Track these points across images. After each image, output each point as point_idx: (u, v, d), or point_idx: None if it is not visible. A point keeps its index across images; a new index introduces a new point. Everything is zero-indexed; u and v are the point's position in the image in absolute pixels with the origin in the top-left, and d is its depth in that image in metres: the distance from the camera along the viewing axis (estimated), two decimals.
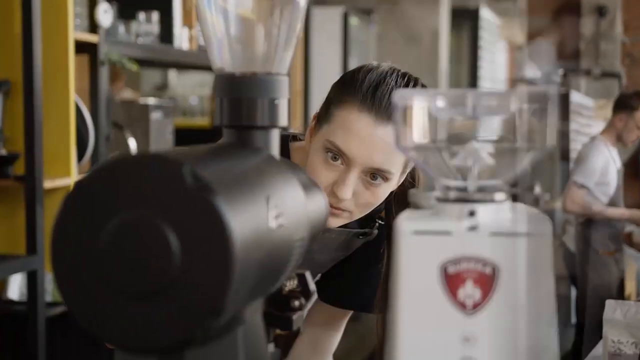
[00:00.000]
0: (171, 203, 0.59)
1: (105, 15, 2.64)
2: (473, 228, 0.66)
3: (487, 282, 0.66)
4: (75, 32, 2.55)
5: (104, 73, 2.70)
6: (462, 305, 0.66)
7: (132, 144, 2.96)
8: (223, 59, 0.77)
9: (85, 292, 0.61)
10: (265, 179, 0.69)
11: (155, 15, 3.09)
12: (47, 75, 2.42)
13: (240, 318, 0.66)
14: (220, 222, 0.58)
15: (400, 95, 0.69)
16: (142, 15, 3.05)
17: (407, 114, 0.69)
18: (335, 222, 1.28)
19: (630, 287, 4.55)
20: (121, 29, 2.94)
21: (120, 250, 0.59)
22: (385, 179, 1.25)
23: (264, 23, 0.77)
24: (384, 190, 1.27)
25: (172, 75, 5.62)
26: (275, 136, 0.77)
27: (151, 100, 3.24)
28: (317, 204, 0.82)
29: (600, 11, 8.97)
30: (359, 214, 1.29)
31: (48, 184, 2.41)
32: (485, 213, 0.67)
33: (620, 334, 1.87)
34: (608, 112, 8.27)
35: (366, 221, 1.40)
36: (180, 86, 5.78)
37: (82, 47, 2.65)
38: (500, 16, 8.31)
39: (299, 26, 0.79)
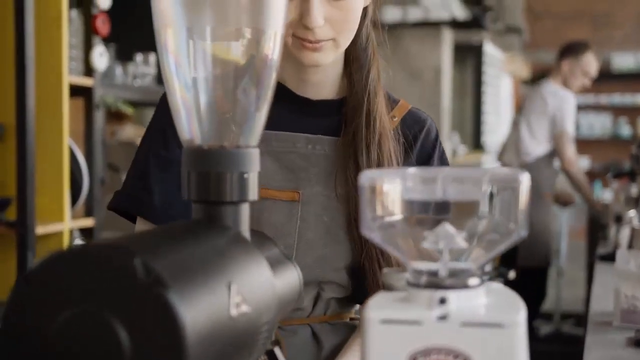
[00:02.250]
0: (122, 297, 0.56)
1: (100, 58, 2.63)
2: (443, 317, 0.63)
3: None
4: (71, 76, 2.54)
5: (99, 116, 2.68)
6: None
7: None
8: (191, 130, 0.75)
9: None
10: (228, 264, 0.66)
11: (152, 57, 3.09)
12: (40, 119, 2.40)
13: None
14: (172, 318, 0.55)
15: (367, 176, 0.66)
16: (139, 57, 3.04)
17: (374, 194, 0.66)
18: (322, 57, 1.20)
19: None
20: (118, 70, 2.94)
21: (69, 346, 0.56)
22: None
23: (232, 93, 0.75)
24: (355, 2, 1.19)
25: None
26: (245, 211, 0.75)
27: None
28: (288, 279, 0.79)
29: None
30: (344, 40, 1.22)
31: (40, 229, 2.38)
32: (458, 300, 0.64)
33: (635, 288, 1.69)
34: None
35: None
36: None
37: (77, 91, 2.64)
38: (505, 50, 8.32)
39: (270, 93, 0.76)
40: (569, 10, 10.15)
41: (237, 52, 0.75)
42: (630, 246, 2.68)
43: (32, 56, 2.36)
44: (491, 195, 0.65)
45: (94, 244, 0.58)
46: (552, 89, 4.54)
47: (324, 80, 1.29)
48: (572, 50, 4.55)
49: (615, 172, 4.32)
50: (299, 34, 1.17)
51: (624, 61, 9.81)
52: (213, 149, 0.73)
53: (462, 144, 6.62)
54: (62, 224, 2.50)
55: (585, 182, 4.53)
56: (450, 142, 6.21)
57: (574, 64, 4.52)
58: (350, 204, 1.25)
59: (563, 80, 4.54)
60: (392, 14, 5.50)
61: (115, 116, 4.16)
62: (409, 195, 0.66)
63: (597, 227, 4.48)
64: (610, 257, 2.71)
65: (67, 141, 2.48)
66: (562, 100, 4.49)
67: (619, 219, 3.07)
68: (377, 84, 1.30)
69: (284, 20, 0.75)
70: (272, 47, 0.75)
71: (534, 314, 4.55)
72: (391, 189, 0.66)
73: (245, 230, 0.74)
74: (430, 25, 5.66)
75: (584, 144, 9.85)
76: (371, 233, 0.66)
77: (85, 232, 2.71)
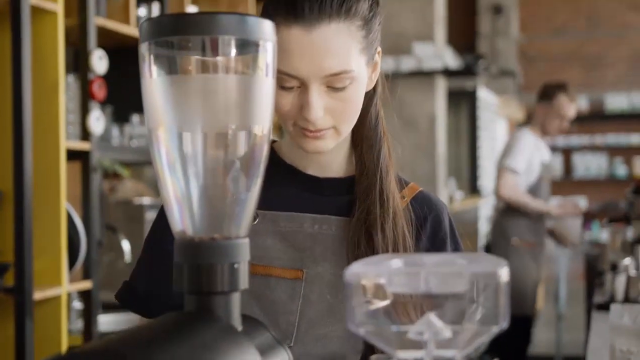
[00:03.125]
0: None
1: (97, 122, 2.66)
2: None
3: None
4: (68, 141, 2.57)
5: (96, 179, 2.71)
6: None
7: (126, 246, 2.95)
8: (183, 222, 0.77)
9: None
10: (219, 358, 0.68)
11: None
12: (38, 184, 2.43)
13: None
14: None
15: (352, 271, 0.68)
16: (135, 118, 3.08)
17: (359, 288, 0.68)
18: (324, 145, 1.20)
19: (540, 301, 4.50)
20: (115, 131, 2.97)
21: None
22: (350, 79, 1.17)
23: (222, 186, 0.77)
24: (355, 90, 1.19)
25: None
26: (235, 300, 0.77)
27: (146, 200, 3.25)
28: None
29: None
30: (345, 128, 1.21)
31: (38, 294, 2.39)
32: None
33: (630, 342, 1.67)
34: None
35: None
36: None
37: (74, 154, 2.67)
38: (499, 94, 8.39)
39: (259, 182, 0.78)
40: (562, 52, 10.26)
41: (226, 147, 0.77)
42: (627, 295, 2.69)
43: (30, 122, 2.39)
44: (474, 286, 0.67)
45: (87, 349, 0.60)
46: (520, 132, 4.58)
47: (330, 160, 1.30)
48: (545, 94, 4.52)
49: (610, 217, 4.33)
50: (299, 124, 1.19)
51: (617, 102, 9.90)
52: (204, 241, 0.75)
53: (458, 190, 6.65)
54: (60, 288, 2.51)
55: (529, 202, 4.44)
56: (447, 189, 6.24)
57: (548, 108, 4.50)
58: None
59: (540, 125, 4.54)
60: (385, 64, 5.56)
61: (113, 174, 4.19)
62: (393, 288, 0.68)
63: (594, 272, 4.48)
64: (606, 306, 2.71)
65: (64, 206, 2.51)
66: (514, 138, 4.53)
67: (614, 267, 3.08)
68: (389, 162, 1.30)
69: (271, 116, 0.78)
70: (261, 139, 0.77)
71: (522, 358, 4.52)
72: (376, 284, 0.68)
73: (236, 319, 0.76)
74: (424, 74, 5.72)
75: (580, 185, 9.90)
76: (357, 327, 0.68)
77: (84, 295, 2.72)
